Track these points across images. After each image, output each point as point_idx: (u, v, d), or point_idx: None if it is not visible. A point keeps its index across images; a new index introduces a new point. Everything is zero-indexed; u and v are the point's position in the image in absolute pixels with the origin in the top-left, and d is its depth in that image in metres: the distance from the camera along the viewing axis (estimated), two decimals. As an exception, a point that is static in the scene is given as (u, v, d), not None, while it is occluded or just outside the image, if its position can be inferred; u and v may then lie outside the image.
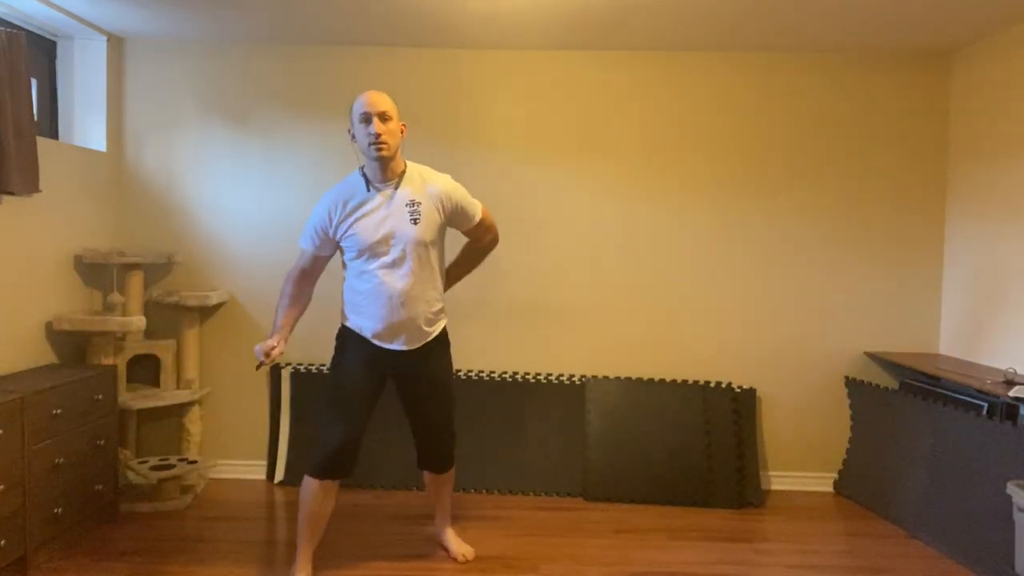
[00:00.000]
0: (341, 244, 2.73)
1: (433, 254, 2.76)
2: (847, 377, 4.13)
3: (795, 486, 4.16)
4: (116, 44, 4.08)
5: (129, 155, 4.14)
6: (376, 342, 2.75)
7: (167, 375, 3.95)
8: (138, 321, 3.64)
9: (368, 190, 2.68)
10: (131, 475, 3.66)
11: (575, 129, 4.14)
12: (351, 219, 2.67)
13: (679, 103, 4.13)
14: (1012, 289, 3.56)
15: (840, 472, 4.12)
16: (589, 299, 4.17)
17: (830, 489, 4.14)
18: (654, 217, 4.15)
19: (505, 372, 4.17)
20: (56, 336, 3.61)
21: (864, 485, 3.94)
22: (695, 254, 4.15)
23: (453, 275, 3.05)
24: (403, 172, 2.71)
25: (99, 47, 3.99)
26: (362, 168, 2.71)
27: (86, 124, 4.01)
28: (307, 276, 2.83)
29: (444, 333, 2.90)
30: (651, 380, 4.11)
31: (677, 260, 4.16)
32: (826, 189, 4.12)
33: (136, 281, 3.85)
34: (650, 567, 3.15)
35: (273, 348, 2.69)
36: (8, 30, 3.16)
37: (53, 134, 3.95)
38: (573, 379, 4.14)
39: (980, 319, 3.79)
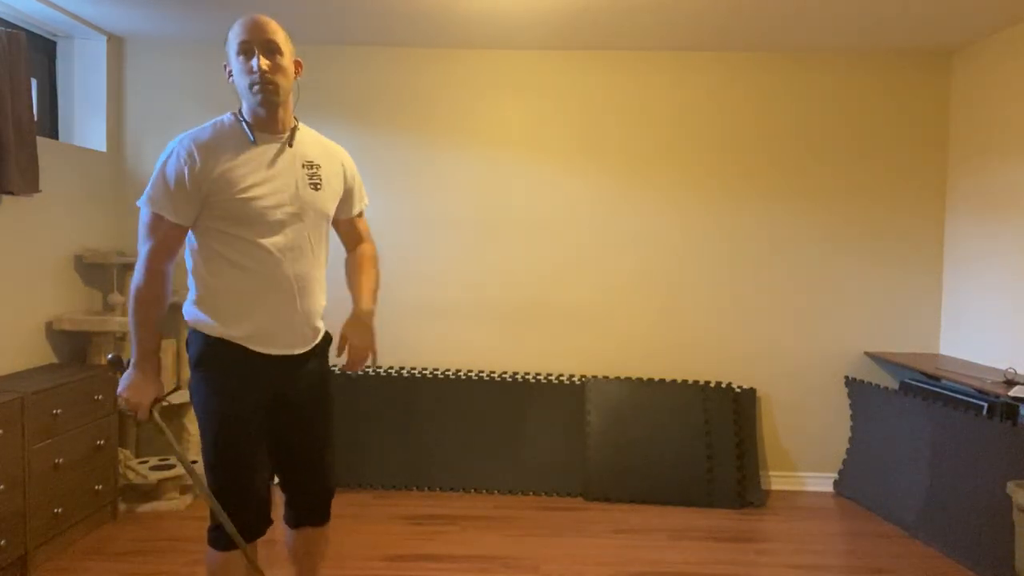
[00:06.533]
0: (212, 205, 1.97)
1: (328, 232, 2.18)
2: (847, 377, 4.13)
3: (795, 486, 4.16)
4: (116, 44, 4.08)
5: (129, 155, 4.14)
6: (253, 347, 2.03)
7: (167, 375, 3.94)
8: (138, 321, 3.63)
9: (252, 138, 2.01)
10: (131, 475, 3.66)
11: (575, 129, 4.14)
12: (227, 173, 1.96)
13: (679, 103, 4.13)
14: (1012, 289, 3.55)
15: (840, 472, 4.12)
16: (589, 299, 4.17)
17: (830, 489, 4.14)
18: (654, 217, 4.15)
19: (505, 372, 4.17)
20: (56, 336, 3.61)
21: (864, 485, 3.94)
22: (695, 254, 4.15)
23: (367, 288, 2.29)
24: (295, 128, 2.09)
25: (99, 47, 3.99)
26: (238, 110, 2.06)
27: (86, 124, 4.01)
28: (169, 256, 2.00)
29: (328, 333, 2.25)
30: (651, 380, 4.11)
31: (677, 260, 4.16)
32: (827, 189, 4.12)
33: (136, 281, 3.84)
34: (650, 567, 3.15)
35: (156, 401, 2.03)
36: (8, 30, 3.16)
37: (53, 134, 3.95)
38: (573, 379, 4.14)
39: (980, 319, 3.79)
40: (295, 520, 2.30)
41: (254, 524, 2.11)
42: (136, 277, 1.99)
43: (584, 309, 4.17)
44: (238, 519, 2.05)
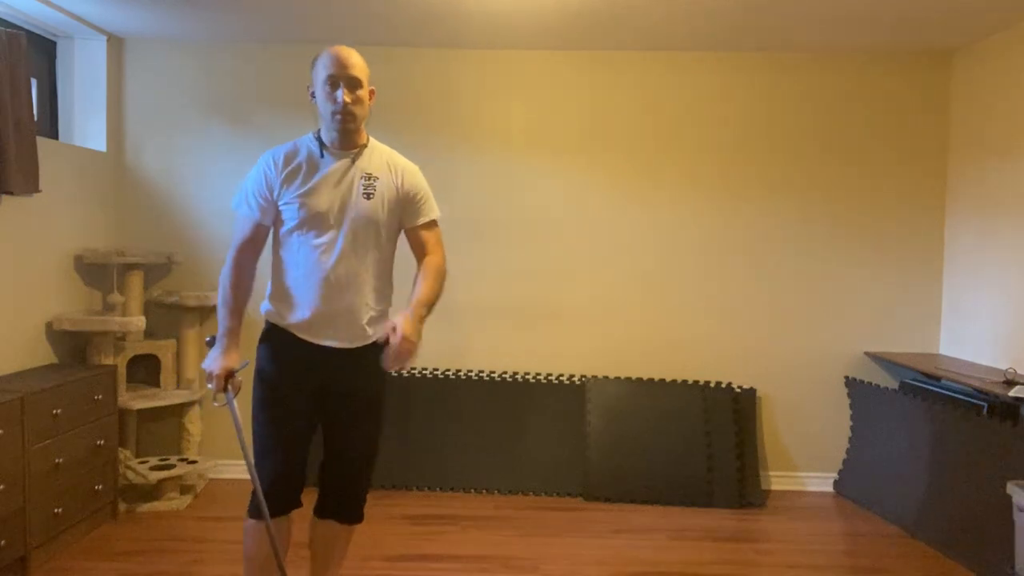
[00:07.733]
0: (280, 209, 2.30)
1: (384, 238, 2.35)
2: (847, 377, 4.12)
3: (795, 486, 4.16)
4: (116, 44, 4.08)
5: (129, 155, 4.14)
6: (304, 336, 2.29)
7: (167, 375, 3.94)
8: (138, 321, 3.64)
9: (322, 155, 2.30)
10: (131, 475, 3.66)
11: (575, 129, 4.14)
12: (296, 181, 2.27)
13: (679, 103, 4.13)
14: (1012, 289, 3.55)
15: (840, 472, 4.12)
16: (589, 299, 4.17)
17: (830, 489, 4.14)
18: (654, 217, 4.15)
19: (505, 372, 4.17)
20: (56, 336, 3.61)
21: (864, 485, 3.94)
22: (695, 254, 4.15)
23: (420, 295, 2.30)
24: (364, 145, 2.35)
25: (99, 47, 3.99)
26: (317, 132, 2.34)
27: (86, 124, 4.01)
28: (252, 250, 2.35)
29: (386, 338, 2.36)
30: (651, 380, 4.11)
31: (677, 260, 4.16)
32: (827, 189, 4.12)
33: (136, 281, 3.85)
34: (650, 567, 3.15)
35: (235, 377, 2.29)
36: (8, 30, 3.16)
37: (53, 134, 3.95)
38: (573, 379, 4.14)
39: (980, 319, 3.79)
40: (320, 509, 2.45)
41: (270, 495, 2.26)
42: (224, 266, 2.34)
43: (584, 309, 4.17)
44: (261, 487, 2.26)
